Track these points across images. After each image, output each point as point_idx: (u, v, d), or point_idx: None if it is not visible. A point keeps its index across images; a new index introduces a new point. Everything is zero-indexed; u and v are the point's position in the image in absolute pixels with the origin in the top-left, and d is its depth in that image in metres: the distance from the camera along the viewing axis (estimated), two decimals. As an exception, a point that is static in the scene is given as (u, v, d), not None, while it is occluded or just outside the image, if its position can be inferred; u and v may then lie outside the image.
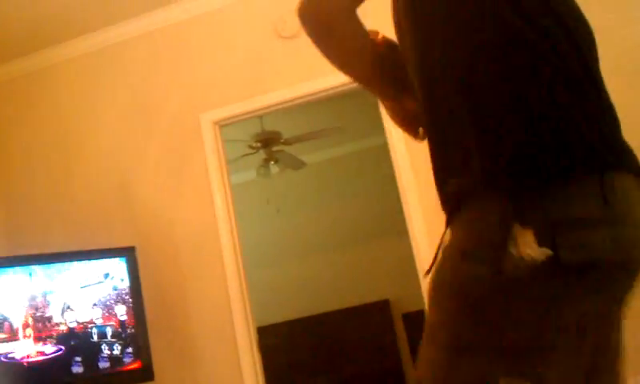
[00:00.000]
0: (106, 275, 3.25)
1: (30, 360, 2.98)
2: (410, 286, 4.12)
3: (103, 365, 3.13)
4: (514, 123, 1.00)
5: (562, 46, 1.04)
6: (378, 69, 1.30)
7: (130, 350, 3.20)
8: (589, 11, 1.17)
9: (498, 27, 1.04)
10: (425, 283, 3.23)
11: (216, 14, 3.68)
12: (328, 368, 6.24)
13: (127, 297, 3.26)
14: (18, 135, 3.93)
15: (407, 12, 1.16)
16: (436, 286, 1.08)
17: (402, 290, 6.00)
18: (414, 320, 5.66)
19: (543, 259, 0.93)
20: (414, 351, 6.13)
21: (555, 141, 0.98)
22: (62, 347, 3.06)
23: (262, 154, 5.41)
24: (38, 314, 3.05)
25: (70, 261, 3.21)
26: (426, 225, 3.22)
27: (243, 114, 3.63)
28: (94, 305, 3.18)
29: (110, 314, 3.21)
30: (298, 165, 5.77)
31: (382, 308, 6.41)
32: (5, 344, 2.94)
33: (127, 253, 3.33)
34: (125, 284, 3.27)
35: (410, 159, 3.28)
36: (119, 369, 3.16)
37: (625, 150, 1.05)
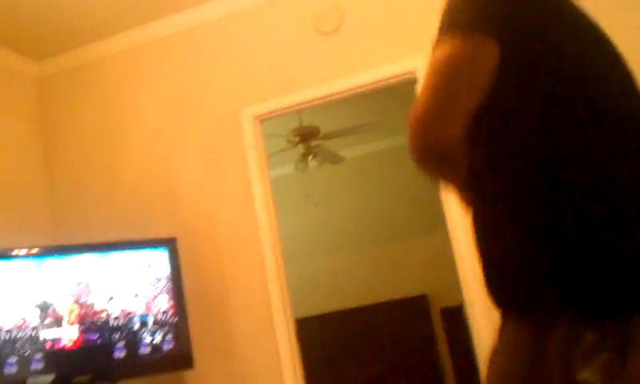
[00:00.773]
0: (149, 265, 3.32)
1: (74, 346, 3.07)
2: (448, 280, 4.11)
3: (144, 352, 3.21)
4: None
5: None
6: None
7: (170, 338, 3.27)
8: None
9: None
10: (464, 278, 3.22)
11: (256, 10, 3.72)
12: (365, 361, 6.25)
13: (168, 286, 3.33)
14: (66, 128, 4.03)
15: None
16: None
17: (440, 284, 5.98)
18: (452, 314, 5.65)
19: None
20: (451, 345, 6.12)
21: None
22: (105, 334, 3.15)
23: (300, 149, 5.44)
24: (82, 302, 3.14)
25: (114, 251, 3.29)
26: (464, 219, 3.21)
27: (282, 109, 3.66)
28: (136, 294, 3.26)
29: (151, 302, 3.28)
30: (336, 159, 5.79)
31: (419, 302, 6.40)
32: (50, 329, 3.03)
33: (169, 243, 3.40)
34: (166, 274, 3.34)
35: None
36: (159, 356, 3.23)
37: None
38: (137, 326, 3.21)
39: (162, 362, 3.25)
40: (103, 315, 3.17)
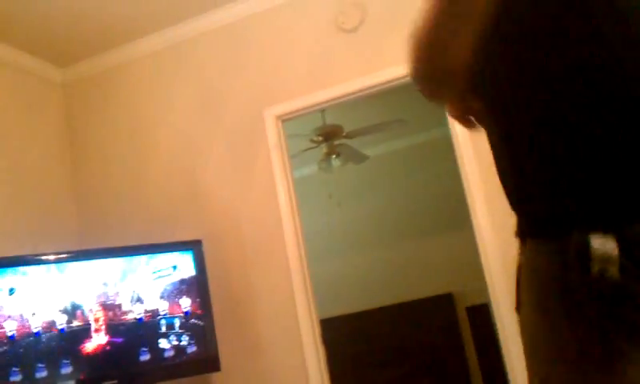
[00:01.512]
0: (174, 267, 3.33)
1: (101, 350, 3.09)
2: (474, 279, 4.07)
3: (170, 354, 3.22)
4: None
5: None
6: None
7: (197, 340, 3.28)
8: None
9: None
10: (490, 276, 3.19)
11: (278, 10, 3.71)
12: (391, 361, 6.23)
13: (194, 289, 3.34)
14: (92, 132, 4.07)
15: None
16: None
17: (466, 283, 5.93)
18: (479, 313, 5.60)
19: None
20: (478, 344, 6.07)
21: None
22: (131, 337, 3.16)
23: (323, 148, 5.42)
24: (109, 304, 3.16)
25: (140, 254, 3.31)
26: (490, 217, 3.17)
27: (305, 108, 3.65)
28: (162, 296, 3.27)
29: (177, 305, 3.29)
30: (360, 158, 5.76)
31: (445, 301, 6.35)
32: (78, 333, 3.05)
33: (194, 246, 3.41)
34: (192, 276, 3.35)
35: (474, 151, 3.24)
36: (186, 359, 3.24)
37: None
38: (163, 328, 3.22)
39: (189, 365, 3.25)
40: (129, 319, 3.18)
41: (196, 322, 3.30)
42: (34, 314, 2.97)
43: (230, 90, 3.76)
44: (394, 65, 3.43)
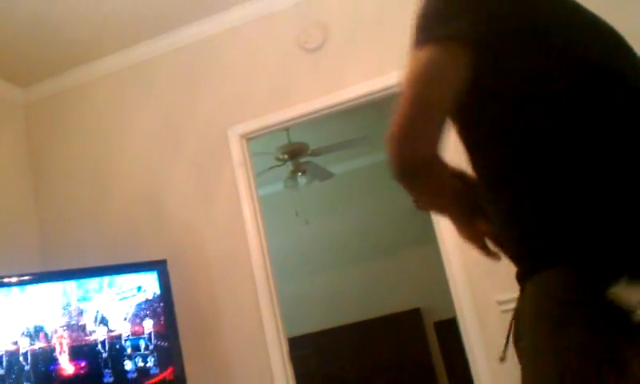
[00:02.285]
0: (139, 288, 3.29)
1: (65, 372, 3.03)
2: (440, 294, 4.10)
3: (136, 376, 3.17)
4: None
5: None
6: (455, 200, 1.32)
7: (163, 362, 3.24)
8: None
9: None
10: (456, 290, 3.22)
11: (240, 30, 3.73)
12: (359, 377, 6.22)
13: (159, 309, 3.31)
14: (54, 152, 4.02)
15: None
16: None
17: (433, 298, 5.98)
18: (446, 328, 5.63)
19: None
20: (446, 359, 6.10)
21: None
22: (95, 358, 3.11)
23: (289, 166, 5.44)
24: (72, 327, 3.11)
25: (103, 275, 3.27)
26: (454, 231, 3.20)
27: (270, 127, 3.66)
28: (127, 317, 3.23)
29: (142, 326, 3.25)
30: (326, 176, 5.79)
31: (413, 317, 6.38)
32: (41, 356, 3.00)
33: (159, 266, 3.38)
34: (157, 296, 3.32)
35: (437, 167, 3.27)
36: (153, 381, 3.20)
37: None
38: (128, 350, 3.18)
39: (155, 386, 3.21)
40: (94, 340, 3.13)
41: (162, 343, 3.26)
42: (-5, 337, 2.92)
43: (194, 109, 3.76)
44: (357, 83, 3.47)
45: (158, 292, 3.33)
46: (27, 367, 2.95)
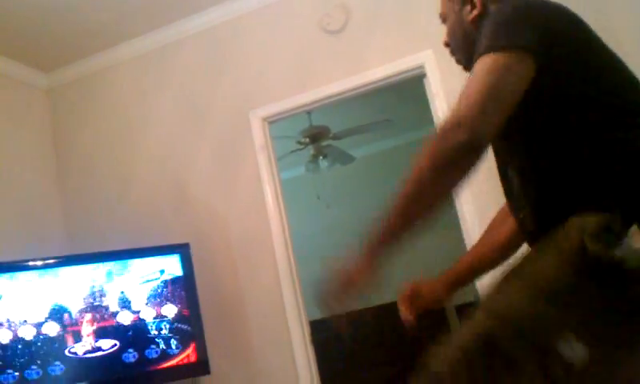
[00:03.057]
0: (162, 271, 3.32)
1: (90, 354, 3.08)
2: (462, 277, 4.07)
3: (159, 359, 3.20)
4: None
5: None
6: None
7: (185, 344, 3.27)
8: None
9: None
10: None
11: (263, 12, 3.71)
12: (382, 361, 6.22)
13: (182, 292, 3.33)
14: (78, 137, 4.05)
15: None
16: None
17: (455, 282, 5.94)
18: (466, 311, 5.61)
19: None
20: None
21: None
22: (119, 340, 3.15)
23: (310, 150, 5.42)
24: (97, 310, 3.14)
25: (127, 258, 3.30)
26: (477, 216, 3.19)
27: (291, 110, 3.65)
28: (151, 300, 3.26)
29: (165, 309, 3.28)
30: (347, 159, 5.77)
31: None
32: (66, 338, 3.04)
33: (182, 249, 3.40)
34: (180, 279, 3.34)
35: (460, 150, 3.24)
36: (176, 363, 3.23)
37: None
38: (151, 332, 3.21)
39: (178, 369, 3.24)
40: (117, 323, 3.17)
41: (184, 325, 3.29)
42: (24, 320, 2.96)
43: (216, 93, 3.76)
44: (380, 65, 3.44)
45: (181, 275, 3.35)
46: (52, 348, 3.00)
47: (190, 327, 3.30)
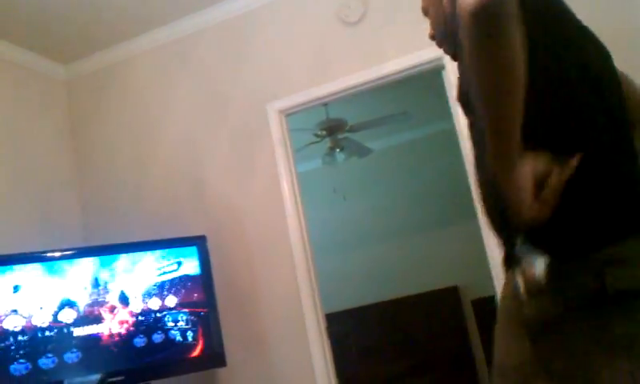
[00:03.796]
0: (179, 263, 3.33)
1: (108, 345, 3.10)
2: (478, 272, 4.06)
3: (176, 351, 3.22)
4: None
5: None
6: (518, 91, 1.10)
7: (201, 336, 3.28)
8: None
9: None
10: (495, 269, 3.18)
11: (280, 4, 3.70)
12: (397, 354, 6.22)
13: (199, 284, 3.34)
14: (96, 129, 4.07)
15: None
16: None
17: (471, 276, 5.92)
18: (484, 306, 5.58)
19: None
20: (483, 336, 6.06)
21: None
22: (136, 332, 3.16)
23: (327, 142, 5.41)
24: (114, 301, 3.16)
25: (144, 250, 3.31)
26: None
27: (308, 102, 3.64)
28: (167, 292, 3.27)
29: (182, 301, 3.29)
30: (364, 152, 5.75)
31: (450, 294, 6.35)
32: (84, 328, 3.06)
33: (199, 241, 3.41)
34: (197, 272, 3.35)
35: (478, 143, 3.22)
36: (192, 355, 3.24)
37: None
38: (168, 324, 3.23)
39: (195, 361, 3.25)
40: (135, 314, 3.18)
41: (201, 317, 3.30)
42: (41, 308, 2.99)
43: (233, 85, 3.75)
44: (397, 57, 3.42)
45: (198, 267, 3.36)
46: (71, 340, 3.02)
47: (206, 319, 3.31)
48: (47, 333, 2.98)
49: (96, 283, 3.15)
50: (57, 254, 3.15)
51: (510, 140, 1.09)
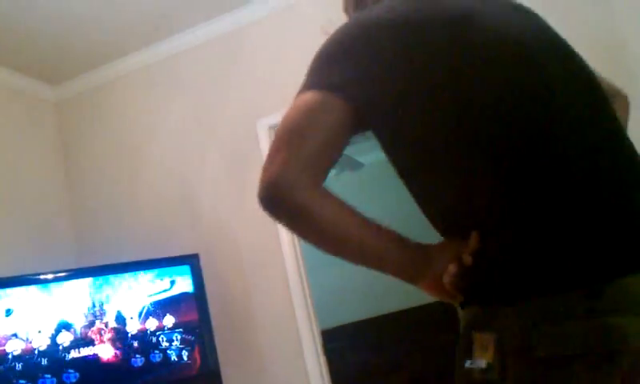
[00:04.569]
0: (172, 283, 3.31)
1: (102, 365, 3.07)
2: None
3: (171, 370, 3.19)
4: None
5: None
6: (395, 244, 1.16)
7: (196, 355, 3.25)
8: None
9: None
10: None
11: (267, 21, 3.71)
12: (396, 368, 6.19)
13: (193, 303, 3.32)
14: (86, 149, 4.06)
15: None
16: None
17: (467, 288, 5.91)
18: (481, 317, 5.57)
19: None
20: (481, 349, 6.03)
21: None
22: (130, 352, 3.14)
23: (318, 157, 5.40)
24: (108, 321, 3.14)
25: (137, 270, 3.29)
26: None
27: (299, 118, 3.63)
28: (162, 311, 3.25)
29: (176, 320, 3.27)
30: (356, 166, 5.75)
31: (445, 307, 6.31)
32: (79, 350, 3.04)
33: (191, 260, 3.39)
34: (190, 291, 3.33)
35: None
36: (188, 373, 3.22)
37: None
38: (163, 344, 3.20)
39: (189, 380, 3.23)
40: (128, 334, 3.16)
41: (195, 336, 3.28)
42: (39, 331, 2.96)
43: (223, 102, 3.76)
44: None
45: (191, 286, 3.34)
46: (66, 362, 2.99)
47: (200, 338, 3.29)
48: (45, 355, 2.95)
49: (92, 305, 3.13)
50: (49, 276, 3.13)
51: (389, 261, 1.18)
